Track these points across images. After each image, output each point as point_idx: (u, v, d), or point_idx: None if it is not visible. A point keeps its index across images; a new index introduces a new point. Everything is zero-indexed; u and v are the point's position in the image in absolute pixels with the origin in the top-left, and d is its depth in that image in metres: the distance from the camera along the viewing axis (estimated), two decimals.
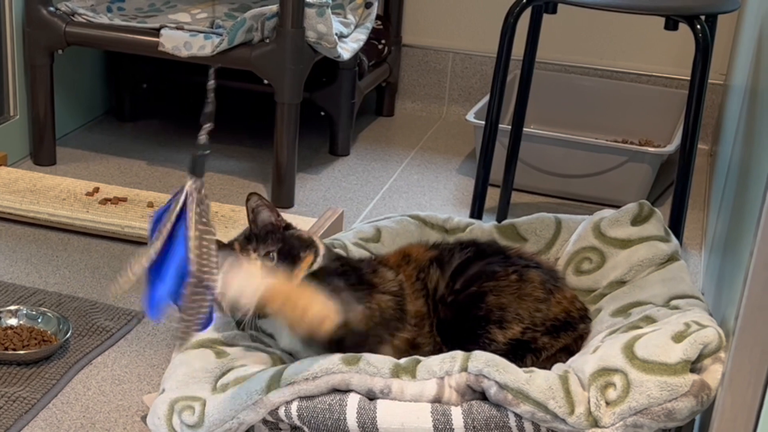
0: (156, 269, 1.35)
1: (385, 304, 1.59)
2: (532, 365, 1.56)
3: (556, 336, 1.62)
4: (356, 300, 1.54)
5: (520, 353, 1.60)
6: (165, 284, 1.33)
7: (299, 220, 2.07)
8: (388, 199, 2.59)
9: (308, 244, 1.61)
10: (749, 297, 0.98)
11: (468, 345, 1.55)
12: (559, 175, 2.62)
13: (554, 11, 2.08)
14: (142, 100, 3.04)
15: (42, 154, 2.64)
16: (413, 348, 1.61)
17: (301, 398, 1.43)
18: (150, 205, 2.34)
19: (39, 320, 1.86)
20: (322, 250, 1.61)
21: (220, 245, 1.55)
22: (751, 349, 0.99)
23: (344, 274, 1.59)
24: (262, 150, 2.81)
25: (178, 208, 1.33)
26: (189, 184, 1.34)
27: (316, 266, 1.59)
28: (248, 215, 1.62)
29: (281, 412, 1.43)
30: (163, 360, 1.82)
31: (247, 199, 1.61)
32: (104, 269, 2.13)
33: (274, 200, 2.49)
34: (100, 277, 2.10)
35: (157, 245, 1.34)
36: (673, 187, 2.67)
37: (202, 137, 1.35)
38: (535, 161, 2.60)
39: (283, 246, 1.58)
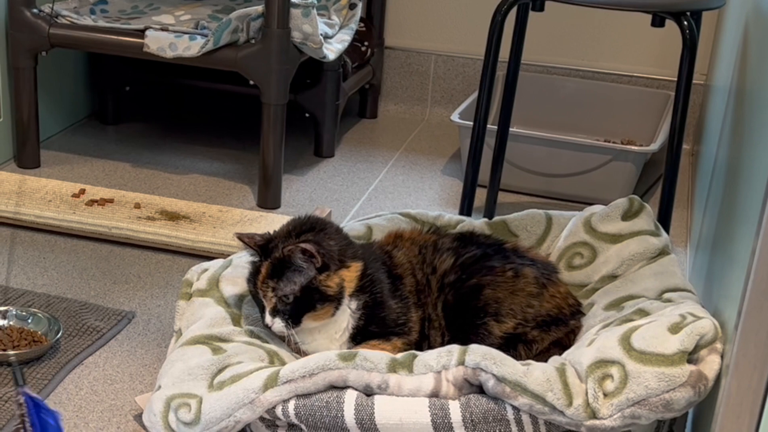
0: None
1: (411, 284, 1.68)
2: (525, 358, 1.57)
3: (546, 330, 1.65)
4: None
5: (512, 345, 1.63)
6: None
7: (286, 221, 2.05)
8: (374, 199, 2.60)
9: (331, 298, 1.60)
10: (755, 282, 0.99)
11: (467, 334, 1.61)
12: (544, 175, 2.63)
13: (542, 9, 2.09)
14: (125, 103, 3.03)
15: (26, 157, 2.62)
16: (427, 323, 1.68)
17: (298, 396, 1.42)
18: (137, 206, 2.33)
19: (29, 321, 1.84)
20: (347, 300, 1.62)
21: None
22: (756, 333, 1.00)
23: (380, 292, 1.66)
24: (247, 152, 2.81)
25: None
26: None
27: (336, 316, 1.62)
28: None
29: (278, 410, 1.43)
30: (155, 359, 1.81)
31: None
32: (92, 270, 2.12)
33: (261, 201, 2.48)
34: (88, 278, 2.09)
35: None
36: (655, 187, 2.71)
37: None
38: (521, 161, 2.61)
39: (301, 296, 1.59)
